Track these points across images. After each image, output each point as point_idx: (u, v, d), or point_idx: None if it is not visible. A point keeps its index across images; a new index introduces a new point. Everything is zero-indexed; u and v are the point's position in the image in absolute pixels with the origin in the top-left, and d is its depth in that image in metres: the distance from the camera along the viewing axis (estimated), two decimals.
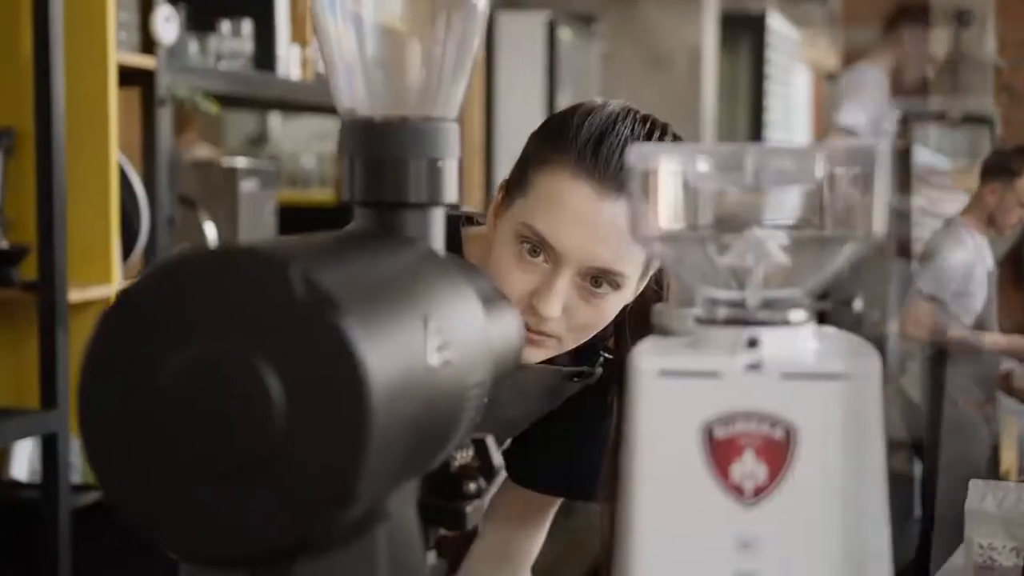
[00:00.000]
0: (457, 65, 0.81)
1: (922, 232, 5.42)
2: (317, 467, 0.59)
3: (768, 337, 0.67)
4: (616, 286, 1.27)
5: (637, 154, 0.68)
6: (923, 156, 4.70)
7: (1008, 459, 5.42)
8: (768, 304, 0.69)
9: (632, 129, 1.28)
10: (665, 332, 0.75)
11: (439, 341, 0.69)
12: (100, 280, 2.48)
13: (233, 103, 3.32)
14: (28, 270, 2.37)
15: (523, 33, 4.71)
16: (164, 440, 0.61)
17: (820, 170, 0.67)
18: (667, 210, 0.69)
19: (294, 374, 0.59)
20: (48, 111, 2.33)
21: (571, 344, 1.31)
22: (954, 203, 4.42)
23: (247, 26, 3.01)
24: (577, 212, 1.23)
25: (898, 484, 3.99)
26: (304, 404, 0.59)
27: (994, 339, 4.47)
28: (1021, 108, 9.51)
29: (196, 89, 2.73)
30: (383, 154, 0.78)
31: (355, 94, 0.81)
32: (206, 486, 0.60)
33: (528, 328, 1.26)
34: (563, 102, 5.59)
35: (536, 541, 1.60)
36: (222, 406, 0.59)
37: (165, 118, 2.64)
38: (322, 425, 0.59)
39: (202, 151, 4.17)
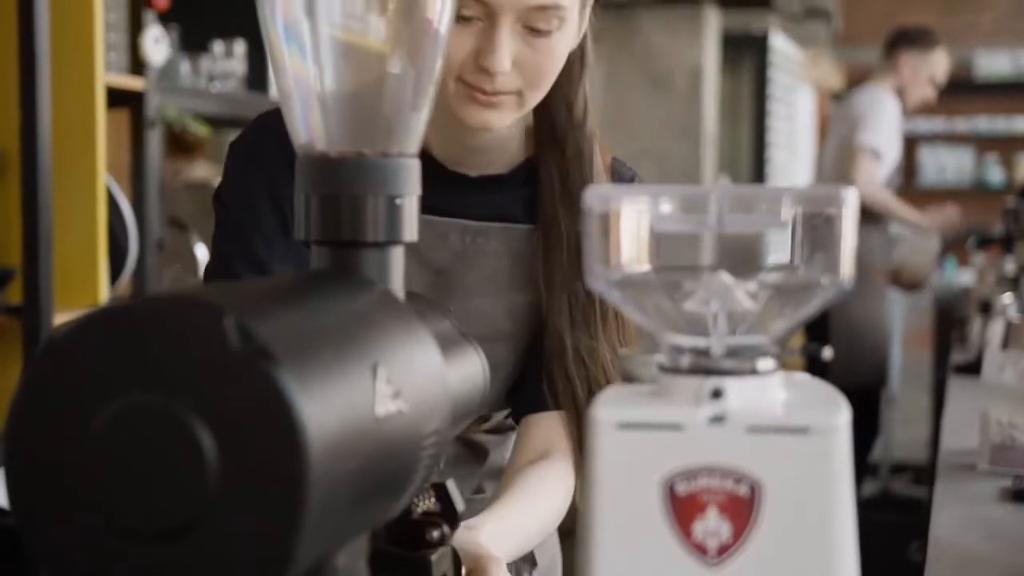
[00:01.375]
0: (416, 98, 0.78)
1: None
2: (252, 529, 0.56)
3: (733, 387, 0.64)
4: (559, 21, 1.22)
5: (596, 195, 0.65)
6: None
7: None
8: (734, 352, 0.66)
9: None
10: (630, 379, 0.72)
11: (390, 390, 0.66)
12: (87, 304, 2.45)
13: (228, 123, 3.30)
14: (14, 294, 2.34)
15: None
16: (91, 497, 0.57)
17: (786, 213, 0.64)
18: (627, 253, 0.66)
19: (228, 429, 0.56)
20: (34, 133, 2.30)
21: (534, 99, 1.26)
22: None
23: (240, 47, 2.98)
24: None
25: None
26: (238, 461, 0.56)
27: (920, 214, 4.55)
28: (858, 2, 9.51)
29: (186, 111, 2.70)
30: (339, 191, 0.75)
31: (311, 128, 0.78)
32: (134, 547, 0.57)
33: (483, 91, 1.22)
34: None
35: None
36: (152, 463, 0.56)
37: (154, 140, 2.61)
38: (257, 484, 0.56)
39: (201, 170, 4.15)
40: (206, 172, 4.20)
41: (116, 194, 2.53)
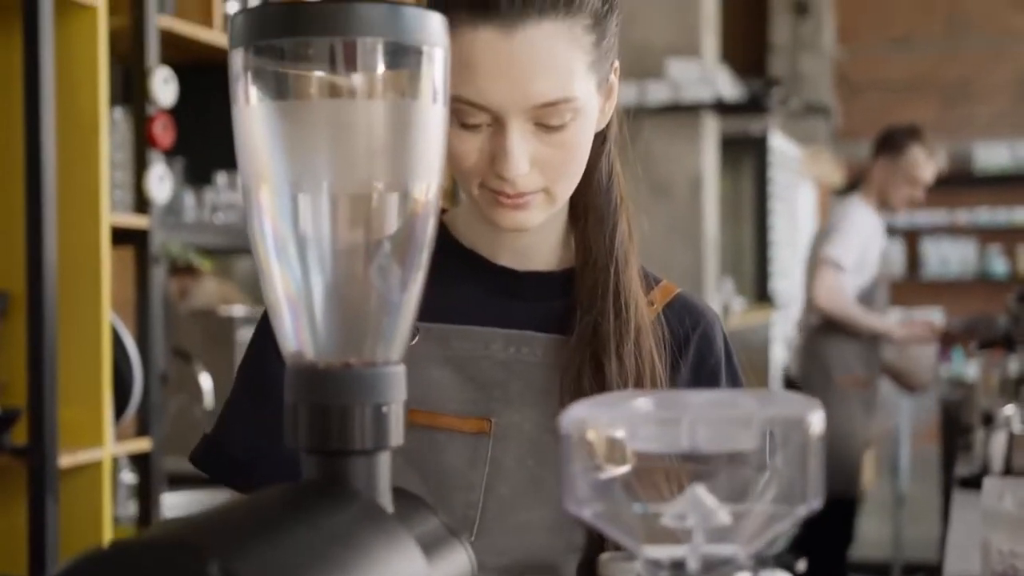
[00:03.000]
0: (401, 308, 0.81)
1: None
2: None
3: None
4: (573, 113, 1.15)
5: (571, 419, 0.68)
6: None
7: (869, 471, 5.39)
8: (709, 566, 0.68)
9: None
10: None
11: None
12: (92, 444, 2.47)
13: (232, 251, 3.35)
14: (19, 434, 2.36)
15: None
16: None
17: (755, 437, 0.66)
18: (605, 473, 0.68)
19: None
20: (40, 274, 2.34)
21: (564, 193, 1.19)
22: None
23: None
24: (490, 60, 1.11)
25: None
26: None
27: (891, 324, 4.53)
28: (857, 98, 9.55)
29: (189, 245, 2.75)
30: (327, 401, 0.78)
31: (300, 338, 0.80)
32: None
33: (507, 195, 1.16)
34: None
35: None
36: None
37: (158, 276, 2.65)
38: None
39: (209, 288, 4.18)
40: (213, 291, 4.24)
41: (121, 332, 2.56)
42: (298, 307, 0.80)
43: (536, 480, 1.20)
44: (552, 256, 1.30)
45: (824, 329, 4.49)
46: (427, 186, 0.80)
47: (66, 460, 2.40)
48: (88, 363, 2.46)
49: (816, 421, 0.66)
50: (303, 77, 0.77)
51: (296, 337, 0.80)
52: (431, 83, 0.77)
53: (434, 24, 0.77)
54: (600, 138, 1.26)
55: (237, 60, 0.76)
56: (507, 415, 1.22)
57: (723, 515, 0.68)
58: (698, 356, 1.27)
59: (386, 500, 0.78)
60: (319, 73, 0.75)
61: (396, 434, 0.79)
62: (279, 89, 0.77)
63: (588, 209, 1.28)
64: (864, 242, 4.46)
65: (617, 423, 0.68)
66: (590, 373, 1.20)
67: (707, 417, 0.67)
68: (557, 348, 1.24)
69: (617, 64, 1.24)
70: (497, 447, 1.21)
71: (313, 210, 0.79)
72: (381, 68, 0.76)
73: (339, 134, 0.77)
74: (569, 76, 1.14)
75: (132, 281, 2.66)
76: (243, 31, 0.76)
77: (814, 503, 0.67)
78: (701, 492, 0.68)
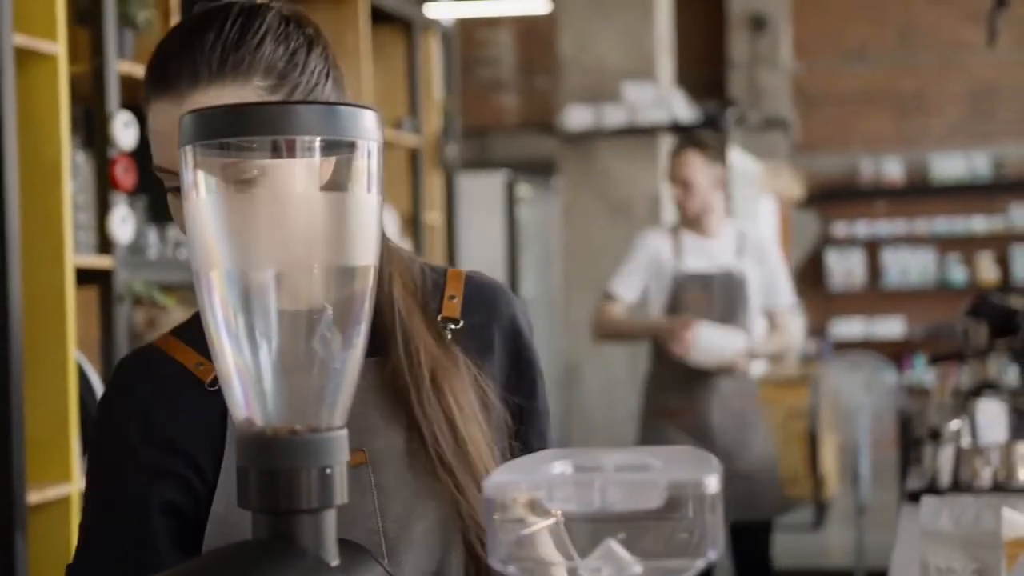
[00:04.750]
0: (343, 376, 0.88)
1: None
2: None
3: None
4: (260, 170, 1.11)
5: (493, 484, 0.75)
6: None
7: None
8: None
9: (200, 19, 1.22)
10: None
11: None
12: (59, 479, 2.52)
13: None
14: None
15: (483, 192, 4.82)
16: None
17: (659, 498, 0.73)
18: (525, 533, 0.75)
19: None
20: (6, 315, 2.39)
21: None
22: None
23: None
24: (168, 128, 1.18)
25: None
26: None
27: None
28: (815, 111, 9.65)
29: (153, 283, 2.81)
30: (275, 465, 0.85)
31: (250, 406, 0.87)
32: None
33: None
34: (524, 254, 5.70)
35: None
36: None
37: (123, 315, 2.71)
38: None
39: (177, 317, 4.21)
40: (180, 321, 4.28)
41: (86, 369, 2.62)
42: (247, 378, 0.87)
43: (420, 490, 1.27)
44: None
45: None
46: (365, 264, 0.87)
47: (34, 497, 2.45)
48: (54, 400, 2.52)
49: (712, 482, 0.73)
50: (247, 172, 0.83)
51: (246, 406, 0.87)
52: (365, 174, 0.84)
53: (367, 121, 0.84)
54: None
55: (187, 157, 0.83)
56: (376, 442, 1.27)
57: (635, 567, 0.75)
58: (511, 345, 1.35)
59: (332, 554, 0.85)
60: (262, 168, 0.82)
61: (340, 493, 0.86)
62: (224, 183, 0.84)
63: None
64: (639, 268, 4.24)
65: (536, 486, 0.75)
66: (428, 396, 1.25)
67: (617, 480, 0.74)
68: (379, 368, 1.27)
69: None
70: (378, 473, 1.26)
71: (259, 289, 0.86)
72: (319, 162, 0.83)
73: (282, 221, 0.84)
74: None
75: (97, 320, 2.71)
76: (191, 130, 0.82)
77: (712, 554, 0.74)
78: (614, 546, 0.76)
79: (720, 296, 4.20)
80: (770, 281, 4.28)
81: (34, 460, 2.48)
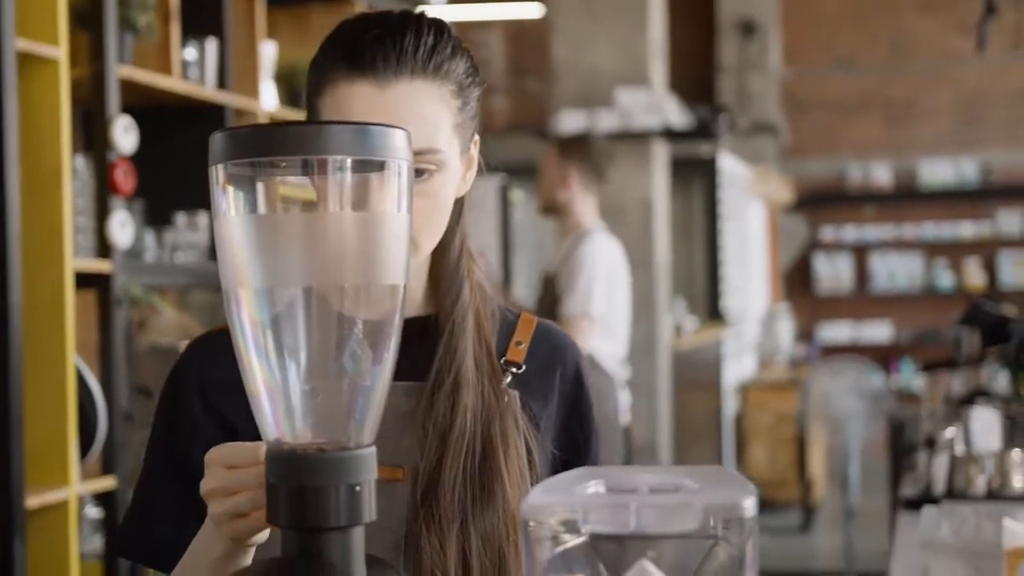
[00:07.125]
0: (372, 394, 0.88)
1: None
2: None
3: None
4: (437, 165, 1.21)
5: (530, 505, 0.75)
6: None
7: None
8: None
9: (396, 17, 1.23)
10: None
11: None
12: (57, 484, 2.52)
13: (193, 288, 3.40)
14: None
15: (476, 197, 4.79)
16: None
17: (695, 520, 0.73)
18: (561, 552, 0.76)
19: None
20: (6, 319, 2.39)
21: (428, 244, 1.24)
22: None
23: (203, 218, 3.10)
24: (365, 110, 1.19)
25: None
26: None
27: None
28: (804, 117, 9.63)
29: (151, 287, 2.80)
30: (304, 482, 0.85)
31: (279, 425, 0.87)
32: None
33: None
34: (518, 259, 5.71)
35: None
36: None
37: (121, 318, 2.70)
38: None
39: (169, 317, 4.20)
40: (172, 322, 4.27)
41: (85, 373, 2.61)
42: (276, 396, 0.87)
43: (452, 514, 1.24)
44: (413, 305, 1.31)
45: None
46: (393, 282, 0.87)
47: (33, 501, 2.44)
48: (53, 404, 2.51)
49: (750, 505, 0.74)
50: (278, 191, 0.83)
51: (275, 424, 0.88)
52: (395, 193, 0.85)
53: (398, 140, 0.84)
54: (458, 207, 1.32)
55: (217, 176, 0.83)
56: (412, 459, 1.25)
57: None
58: (571, 396, 1.35)
59: (360, 571, 0.85)
60: (292, 188, 0.82)
61: (368, 510, 0.86)
62: (255, 201, 0.85)
63: (440, 272, 1.32)
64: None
65: (571, 508, 0.75)
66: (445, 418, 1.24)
67: (652, 502, 0.75)
68: (415, 393, 1.26)
69: (478, 139, 1.31)
70: (411, 489, 1.24)
71: (288, 308, 0.86)
72: (349, 182, 0.83)
73: (312, 241, 0.85)
74: (435, 129, 1.21)
75: (95, 324, 2.71)
76: (222, 150, 0.83)
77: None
78: (649, 566, 0.76)
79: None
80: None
81: (33, 464, 2.47)
